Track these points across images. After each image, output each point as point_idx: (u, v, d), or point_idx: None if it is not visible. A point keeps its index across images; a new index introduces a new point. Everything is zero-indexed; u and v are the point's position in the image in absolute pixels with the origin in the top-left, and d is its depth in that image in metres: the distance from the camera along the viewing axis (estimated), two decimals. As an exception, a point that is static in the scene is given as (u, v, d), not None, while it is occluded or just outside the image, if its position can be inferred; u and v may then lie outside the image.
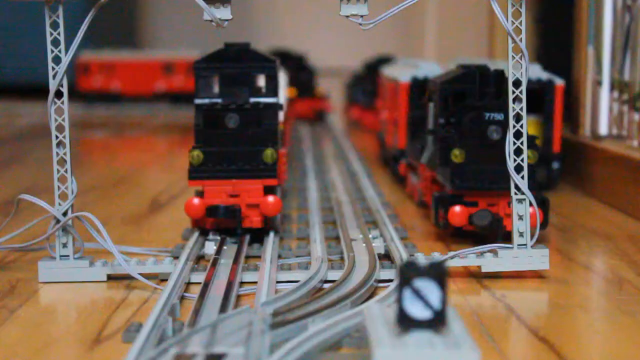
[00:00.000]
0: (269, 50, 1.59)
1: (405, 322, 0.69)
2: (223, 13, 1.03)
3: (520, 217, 1.06)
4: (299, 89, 2.79)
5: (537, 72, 1.61)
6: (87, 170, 1.95)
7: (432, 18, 3.64)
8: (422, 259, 1.08)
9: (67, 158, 1.05)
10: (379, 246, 1.14)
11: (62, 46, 1.03)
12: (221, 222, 1.19)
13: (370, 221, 1.33)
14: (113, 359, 0.81)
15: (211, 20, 1.02)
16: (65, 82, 1.04)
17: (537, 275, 1.08)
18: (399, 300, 0.69)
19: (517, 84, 1.05)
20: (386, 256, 1.14)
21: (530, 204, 1.05)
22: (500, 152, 1.07)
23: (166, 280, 1.01)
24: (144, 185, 1.79)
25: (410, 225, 1.35)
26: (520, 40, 1.03)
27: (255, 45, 1.27)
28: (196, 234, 1.19)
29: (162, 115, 3.36)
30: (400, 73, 1.68)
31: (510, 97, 1.05)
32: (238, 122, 1.18)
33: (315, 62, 3.20)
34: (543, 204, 1.20)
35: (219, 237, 1.16)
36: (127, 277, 1.05)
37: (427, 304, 0.69)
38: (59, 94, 1.04)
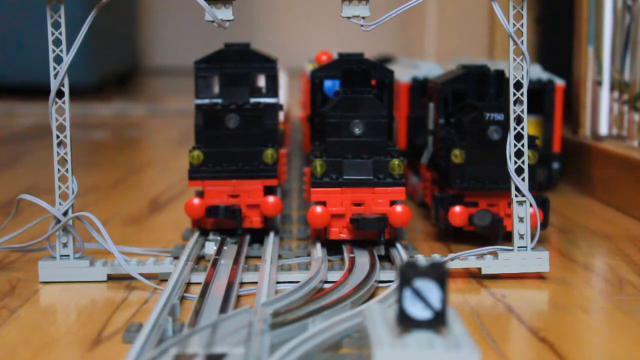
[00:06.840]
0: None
1: (406, 322, 0.69)
2: (225, 14, 1.03)
3: (521, 220, 1.06)
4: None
5: (538, 72, 1.61)
6: (87, 170, 1.94)
7: (432, 18, 3.64)
8: (422, 261, 1.08)
9: (68, 158, 1.05)
10: (379, 247, 1.14)
11: (64, 46, 1.04)
12: (221, 223, 1.19)
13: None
14: (113, 359, 0.81)
15: (213, 21, 1.02)
16: (66, 82, 1.04)
17: (538, 275, 1.08)
18: (400, 301, 0.69)
19: (518, 86, 1.04)
20: (386, 257, 1.14)
21: (530, 205, 1.05)
22: (501, 152, 1.07)
23: (166, 280, 1.01)
24: (144, 186, 1.79)
25: (410, 226, 1.35)
26: (522, 42, 1.02)
27: (256, 45, 1.27)
28: (196, 234, 1.19)
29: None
30: (400, 73, 1.67)
31: (512, 99, 1.05)
32: (238, 122, 1.18)
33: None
34: (543, 205, 1.20)
35: (219, 238, 1.16)
36: (127, 277, 1.05)
37: (427, 304, 0.69)
38: (60, 94, 1.04)
